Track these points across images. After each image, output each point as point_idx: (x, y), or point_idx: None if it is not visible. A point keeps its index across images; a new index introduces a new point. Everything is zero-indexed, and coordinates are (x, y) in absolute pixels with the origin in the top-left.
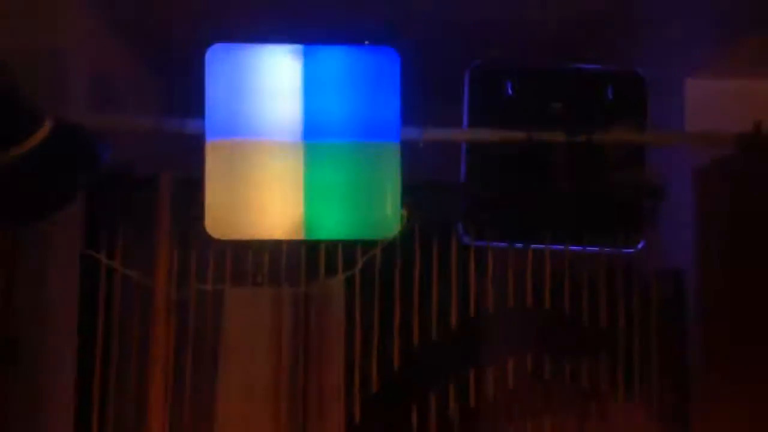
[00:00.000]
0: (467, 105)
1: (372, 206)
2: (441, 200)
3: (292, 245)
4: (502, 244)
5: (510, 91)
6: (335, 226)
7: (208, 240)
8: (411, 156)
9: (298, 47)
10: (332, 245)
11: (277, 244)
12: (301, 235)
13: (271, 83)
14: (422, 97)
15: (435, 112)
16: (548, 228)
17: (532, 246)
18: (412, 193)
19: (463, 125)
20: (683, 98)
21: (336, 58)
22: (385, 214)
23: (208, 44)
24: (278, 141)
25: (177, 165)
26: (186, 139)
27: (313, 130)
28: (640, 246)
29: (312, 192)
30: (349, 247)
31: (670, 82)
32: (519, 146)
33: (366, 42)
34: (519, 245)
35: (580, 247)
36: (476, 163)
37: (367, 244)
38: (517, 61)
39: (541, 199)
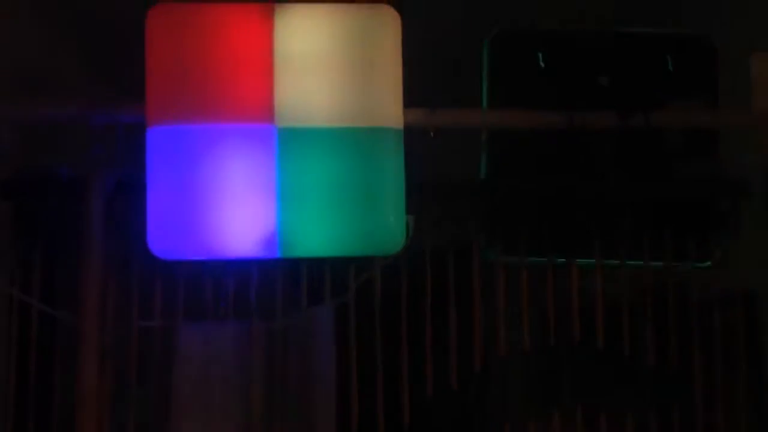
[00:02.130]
0: (487, 81)
1: (367, 213)
2: (458, 204)
3: (264, 266)
4: (538, 260)
5: (542, 63)
6: (320, 240)
7: (153, 261)
8: (417, 146)
9: (269, 6)
10: (317, 265)
11: (244, 264)
12: (275, 253)
13: (233, 52)
14: (430, 70)
15: (447, 89)
16: (597, 237)
17: (578, 262)
18: (419, 194)
19: (483, 106)
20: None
21: (318, 19)
22: (385, 224)
23: (147, 4)
24: (242, 126)
25: (111, 163)
26: (122, 129)
27: (288, 111)
28: (715, 260)
29: (288, 194)
30: (339, 267)
31: (731, 55)
32: (556, 132)
33: None
34: (560, 261)
35: (640, 262)
36: (500, 155)
37: (363, 264)
38: (549, 24)
39: (587, 200)
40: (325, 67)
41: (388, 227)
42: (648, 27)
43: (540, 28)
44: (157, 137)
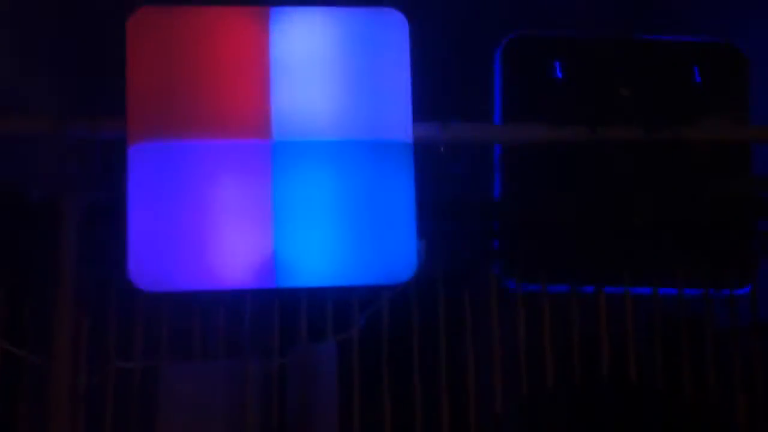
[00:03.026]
0: (500, 93)
1: (374, 237)
2: (474, 227)
3: (260, 298)
4: (562, 288)
5: (559, 73)
6: (321, 268)
7: (135, 294)
8: (429, 163)
9: (264, 9)
10: (318, 296)
11: (237, 296)
12: (271, 283)
13: (224, 60)
14: (441, 82)
15: (457, 101)
16: (625, 263)
17: (606, 289)
18: (432, 217)
19: (495, 120)
20: None
21: (318, 24)
22: (394, 249)
23: (132, 7)
24: (235, 142)
25: (86, 184)
26: (99, 146)
27: (285, 124)
28: (749, 287)
29: (286, 217)
30: (344, 298)
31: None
32: (576, 147)
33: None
34: (587, 289)
35: (674, 290)
36: (516, 173)
37: (370, 295)
38: (566, 31)
39: (613, 222)
40: (325, 76)
41: (397, 253)
42: (673, 34)
43: (556, 35)
44: (139, 155)
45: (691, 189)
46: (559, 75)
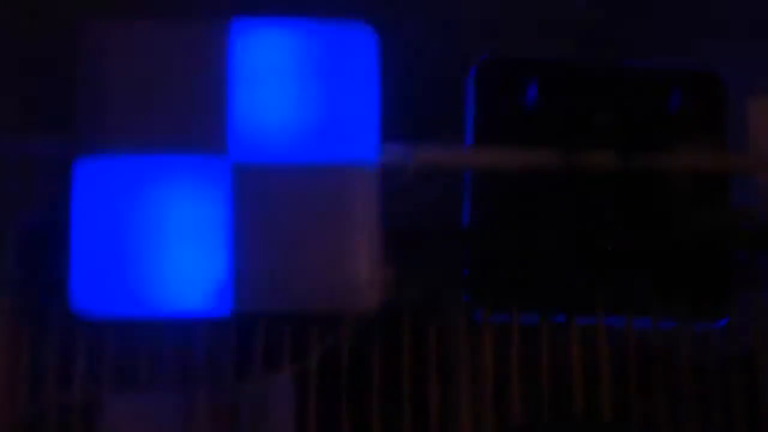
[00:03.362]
0: (472, 116)
1: (338, 263)
2: (442, 255)
3: (212, 325)
4: (533, 320)
5: (533, 97)
6: (278, 295)
7: (75, 322)
8: (396, 188)
9: (223, 21)
10: (274, 325)
11: (187, 324)
12: (225, 309)
13: (180, 73)
14: (411, 103)
15: (427, 123)
16: (598, 293)
17: (579, 320)
18: (399, 244)
19: (465, 143)
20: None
21: (281, 34)
22: (358, 277)
23: (82, 18)
24: (188, 159)
25: (26, 203)
26: (42, 164)
27: (244, 143)
28: (725, 320)
29: (243, 240)
30: (302, 327)
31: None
32: (549, 174)
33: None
34: (558, 320)
35: (648, 322)
36: (487, 199)
37: (329, 323)
38: (542, 54)
39: (586, 252)
40: (289, 92)
41: (360, 282)
42: (650, 61)
43: (531, 57)
44: (85, 171)
45: (668, 218)
46: (534, 99)
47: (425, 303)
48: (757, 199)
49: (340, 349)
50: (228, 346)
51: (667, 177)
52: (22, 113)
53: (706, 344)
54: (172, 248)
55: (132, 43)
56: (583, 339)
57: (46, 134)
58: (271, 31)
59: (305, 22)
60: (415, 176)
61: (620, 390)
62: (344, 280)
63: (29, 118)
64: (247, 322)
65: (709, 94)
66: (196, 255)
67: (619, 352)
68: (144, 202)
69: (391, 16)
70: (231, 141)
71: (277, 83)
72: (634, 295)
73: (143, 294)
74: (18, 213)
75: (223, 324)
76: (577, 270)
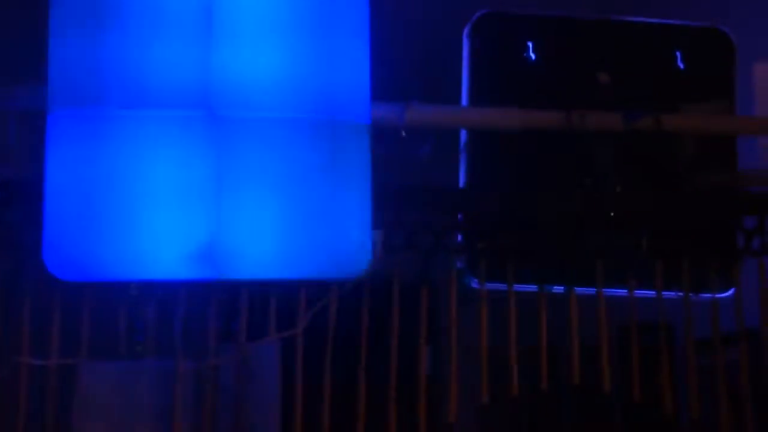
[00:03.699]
0: (468, 75)
1: (325, 227)
2: (434, 218)
3: (194, 290)
4: (531, 289)
5: (532, 54)
6: (265, 259)
7: (51, 284)
8: (388, 148)
9: None
10: (260, 291)
11: (168, 289)
12: (208, 273)
13: (159, 20)
14: (403, 59)
15: (422, 82)
16: (600, 261)
17: (578, 290)
18: (390, 206)
19: (462, 103)
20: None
21: None
22: (347, 241)
23: None
24: (170, 113)
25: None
26: (14, 117)
27: (229, 96)
28: (731, 290)
29: (227, 200)
30: (288, 293)
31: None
32: (549, 135)
33: None
34: (558, 289)
35: (651, 292)
36: (483, 161)
37: (317, 290)
38: (541, 9)
39: (588, 215)
40: (276, 43)
41: (349, 245)
42: (655, 17)
43: (530, 12)
44: (59, 124)
45: (672, 182)
46: (533, 56)
47: (417, 269)
48: (765, 162)
49: (327, 314)
50: (211, 311)
51: (673, 138)
52: None
53: (713, 316)
54: (152, 208)
55: None
56: (582, 310)
57: (19, 85)
58: None
59: None
60: (409, 136)
61: (621, 363)
62: (332, 244)
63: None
64: (231, 287)
65: (716, 52)
66: (178, 215)
67: (620, 324)
68: (122, 159)
69: None
70: (215, 94)
71: (264, 32)
72: (636, 264)
73: (122, 256)
74: None
75: (205, 288)
76: (577, 236)
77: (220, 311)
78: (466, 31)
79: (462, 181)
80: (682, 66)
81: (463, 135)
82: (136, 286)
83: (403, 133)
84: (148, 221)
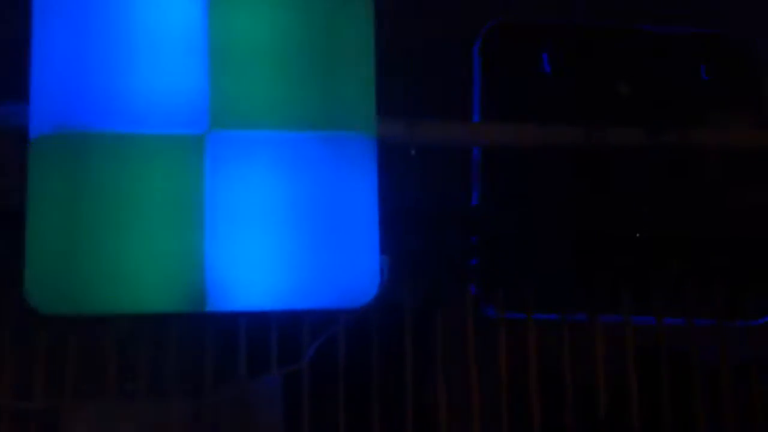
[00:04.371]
0: (479, 89)
1: (329, 252)
2: (447, 241)
3: (189, 323)
4: (551, 316)
5: (547, 67)
6: (263, 289)
7: (33, 317)
8: (396, 167)
9: None
10: (259, 323)
11: (160, 322)
12: (202, 306)
13: (149, 34)
14: (412, 74)
15: (432, 99)
16: (624, 287)
17: (603, 319)
18: (398, 228)
19: (474, 118)
20: None
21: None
22: (353, 266)
23: None
24: (160, 132)
25: None
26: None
27: (223, 111)
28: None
29: (221, 225)
30: (290, 326)
31: None
32: (568, 152)
33: None
34: (580, 318)
35: (682, 321)
36: (498, 180)
37: (322, 320)
38: (556, 19)
39: (610, 239)
40: (274, 57)
41: (355, 271)
42: (677, 26)
43: (544, 22)
44: (42, 147)
45: (701, 200)
46: (548, 69)
47: (429, 296)
48: None
49: (334, 348)
50: (207, 346)
51: (701, 154)
52: None
53: (747, 344)
54: (141, 235)
55: (95, 7)
56: (608, 338)
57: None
58: None
59: None
60: (418, 155)
61: (649, 393)
62: (337, 270)
63: None
64: (227, 319)
65: (743, 63)
66: (168, 243)
67: (647, 353)
68: (109, 183)
69: None
70: (210, 110)
71: (262, 47)
72: (665, 290)
73: (109, 287)
74: None
75: (200, 321)
76: (600, 260)
77: (217, 346)
78: (477, 42)
79: (475, 201)
80: (706, 77)
81: (476, 151)
82: (125, 320)
83: (413, 152)
84: (137, 249)
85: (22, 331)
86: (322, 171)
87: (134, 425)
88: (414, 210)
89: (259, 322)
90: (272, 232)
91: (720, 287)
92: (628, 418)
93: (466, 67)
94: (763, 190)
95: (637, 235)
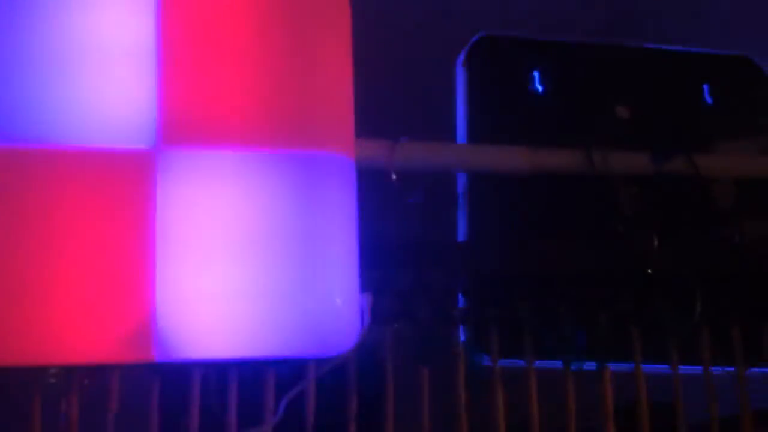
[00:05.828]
0: (464, 109)
1: (301, 291)
2: (435, 279)
3: (131, 376)
4: (552, 364)
5: (539, 86)
6: (222, 335)
7: None
8: (376, 194)
9: None
10: (218, 374)
11: (97, 374)
12: (149, 354)
13: (94, 37)
14: (390, 91)
15: (413, 116)
16: (634, 330)
17: (612, 367)
18: (378, 264)
19: (457, 139)
20: None
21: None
22: (328, 308)
23: None
24: (102, 150)
25: None
26: None
27: (176, 128)
28: None
29: (173, 258)
30: (255, 380)
31: None
32: (566, 178)
33: None
34: (589, 366)
35: (698, 367)
36: (488, 209)
37: (291, 371)
38: (548, 34)
39: (617, 276)
40: (235, 61)
41: (331, 314)
42: (678, 44)
43: (535, 37)
44: None
45: (715, 232)
46: (539, 87)
47: (413, 342)
48: None
49: (306, 403)
50: (151, 402)
51: (711, 183)
52: None
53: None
54: (81, 270)
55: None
56: (619, 389)
57: None
58: None
59: None
60: (399, 181)
61: None
62: (310, 312)
63: None
64: (179, 371)
65: (748, 84)
66: (111, 281)
67: (660, 404)
68: (44, 207)
69: None
70: (161, 125)
71: (221, 50)
72: (680, 334)
73: (41, 335)
74: None
75: (145, 372)
76: (607, 300)
77: (162, 403)
78: (460, 58)
79: (462, 234)
80: (710, 100)
81: (461, 179)
82: (54, 372)
83: (393, 176)
84: (71, 288)
85: None
86: (293, 194)
87: None
88: (397, 243)
89: (215, 374)
90: (234, 268)
91: (737, 329)
92: None
93: (447, 84)
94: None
95: (647, 272)
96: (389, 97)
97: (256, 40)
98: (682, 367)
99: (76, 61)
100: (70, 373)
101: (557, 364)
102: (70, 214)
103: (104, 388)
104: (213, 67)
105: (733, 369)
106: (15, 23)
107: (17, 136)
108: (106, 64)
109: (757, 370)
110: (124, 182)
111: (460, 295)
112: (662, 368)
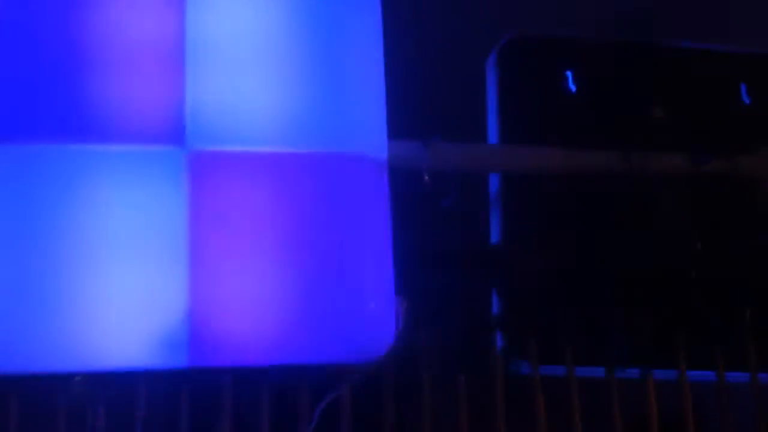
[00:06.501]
0: (496, 110)
1: (334, 296)
2: (470, 284)
3: (160, 383)
4: (593, 372)
5: (572, 85)
6: (253, 340)
7: None
8: (409, 196)
9: None
10: (250, 380)
11: (124, 381)
12: (182, 360)
13: (123, 41)
14: (423, 91)
15: (444, 118)
16: (679, 336)
17: (656, 374)
18: (415, 269)
19: (489, 140)
20: None
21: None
22: (362, 314)
23: None
24: (132, 149)
25: None
26: None
27: (206, 127)
28: None
29: (205, 262)
30: (288, 383)
31: None
32: (601, 180)
33: None
34: (632, 373)
35: (745, 374)
36: (522, 212)
37: (326, 378)
38: (581, 33)
39: (658, 280)
40: (263, 63)
41: (365, 319)
42: (715, 43)
43: (568, 36)
44: None
45: (761, 237)
46: (572, 87)
47: (449, 348)
48: None
49: (341, 410)
50: (183, 409)
51: (753, 185)
52: None
53: None
54: (109, 274)
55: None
56: (662, 396)
57: None
58: None
59: None
60: (432, 182)
61: None
62: (343, 318)
63: None
64: (211, 377)
65: None
66: (138, 283)
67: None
68: (70, 208)
69: None
70: (190, 124)
71: (248, 52)
72: (725, 341)
73: (60, 339)
74: None
75: (175, 379)
76: (649, 306)
77: (194, 409)
78: (491, 59)
79: (495, 236)
80: (747, 100)
81: (493, 180)
82: (80, 379)
83: (426, 177)
84: (100, 291)
85: None
86: (325, 196)
87: None
88: (430, 249)
89: (248, 380)
90: (266, 272)
91: None
92: None
93: (478, 85)
94: None
95: (691, 276)
96: (420, 98)
97: (286, 38)
98: (728, 374)
99: (107, 61)
100: (96, 380)
101: (598, 371)
102: (101, 216)
103: (131, 396)
104: (243, 66)
105: None
106: (40, 23)
107: (48, 136)
108: (136, 63)
109: None
110: (154, 183)
111: (495, 300)
112: (706, 374)
